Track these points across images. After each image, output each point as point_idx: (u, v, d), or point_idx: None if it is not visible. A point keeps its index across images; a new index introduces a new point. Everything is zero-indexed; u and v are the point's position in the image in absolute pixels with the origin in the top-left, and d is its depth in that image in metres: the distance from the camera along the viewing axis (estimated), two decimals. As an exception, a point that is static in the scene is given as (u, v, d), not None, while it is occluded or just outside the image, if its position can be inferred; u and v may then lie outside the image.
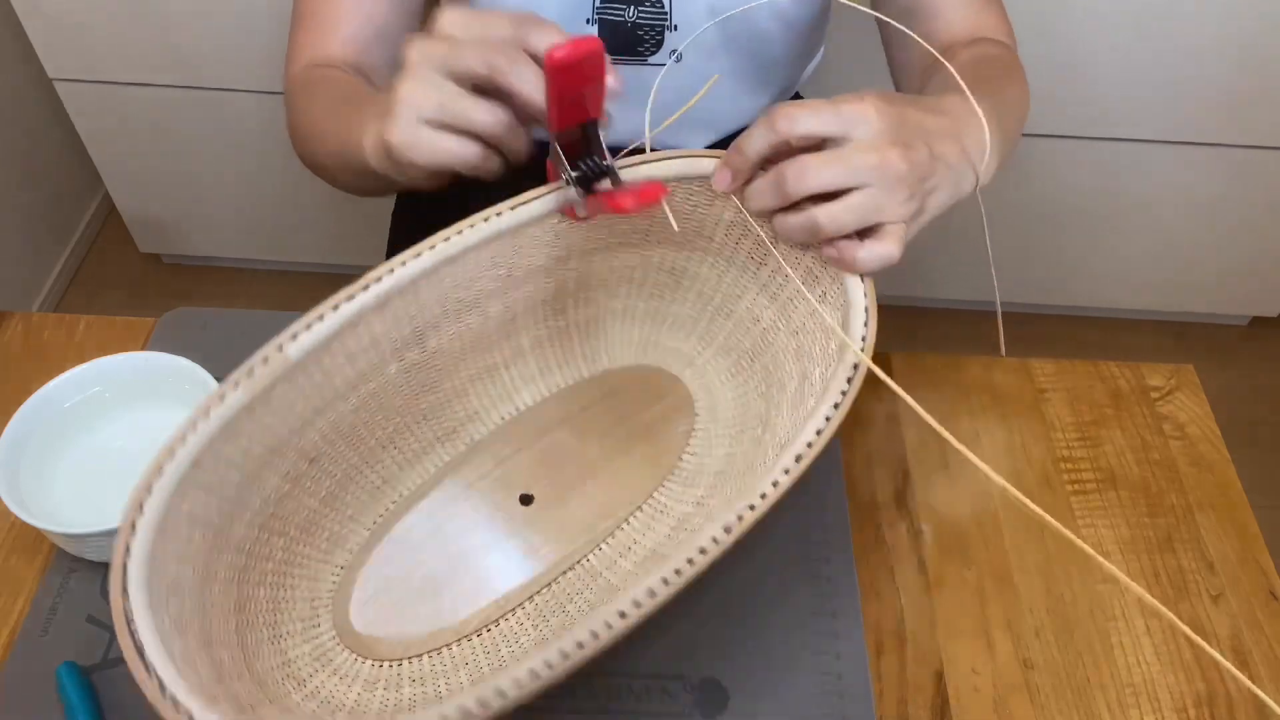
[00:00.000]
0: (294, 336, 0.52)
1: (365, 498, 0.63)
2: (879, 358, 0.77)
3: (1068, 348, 1.74)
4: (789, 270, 0.60)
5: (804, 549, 0.65)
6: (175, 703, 0.43)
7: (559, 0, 0.73)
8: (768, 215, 0.55)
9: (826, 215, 0.52)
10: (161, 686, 0.43)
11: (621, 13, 0.74)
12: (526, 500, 0.63)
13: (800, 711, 0.58)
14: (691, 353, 0.68)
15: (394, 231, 1.00)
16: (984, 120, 0.57)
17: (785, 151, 0.53)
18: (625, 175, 0.57)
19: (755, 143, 0.53)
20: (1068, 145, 1.47)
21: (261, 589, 0.57)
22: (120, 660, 0.58)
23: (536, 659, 0.43)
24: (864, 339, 0.53)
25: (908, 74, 0.78)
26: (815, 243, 0.54)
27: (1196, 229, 1.58)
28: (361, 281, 0.54)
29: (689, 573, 0.46)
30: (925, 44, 0.68)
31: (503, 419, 0.67)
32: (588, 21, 0.76)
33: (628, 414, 0.67)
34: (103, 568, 0.62)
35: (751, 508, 0.48)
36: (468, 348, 0.64)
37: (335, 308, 0.53)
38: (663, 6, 0.74)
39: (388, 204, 1.01)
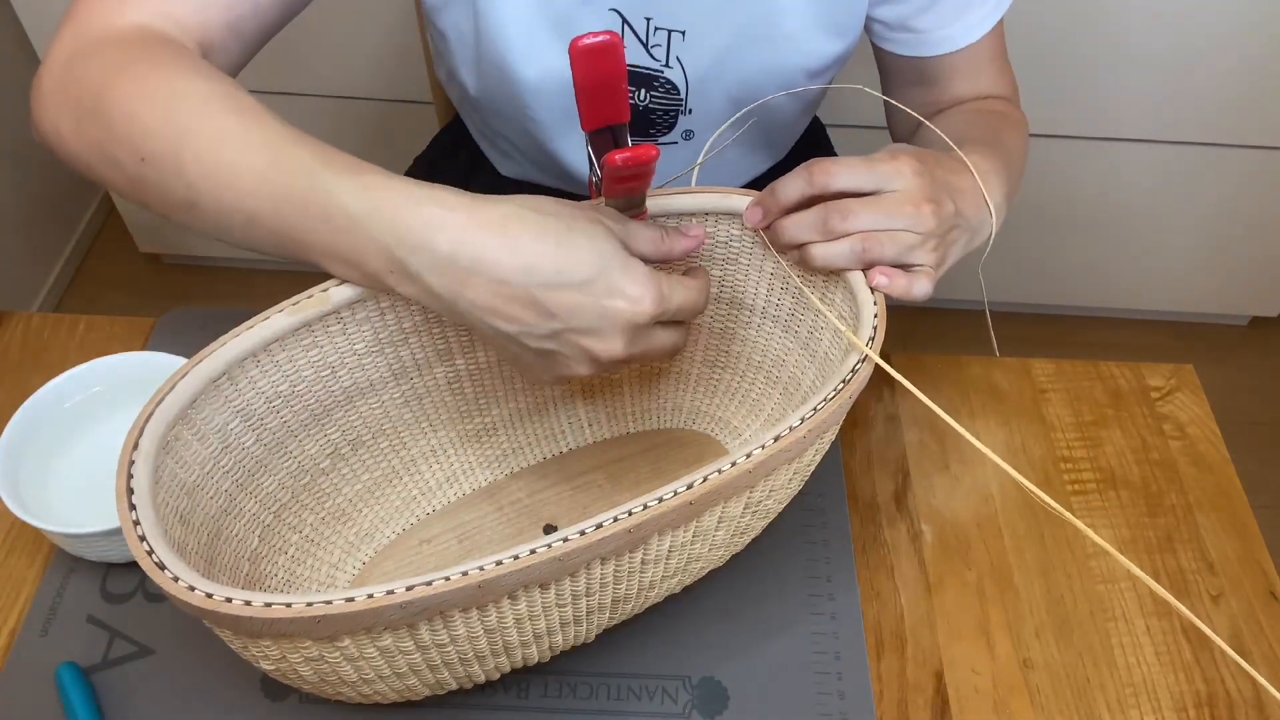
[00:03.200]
0: (340, 283, 0.54)
1: (399, 503, 0.64)
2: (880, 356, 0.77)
3: (1068, 348, 1.74)
4: (797, 280, 0.60)
5: (804, 549, 0.65)
6: (138, 522, 0.44)
7: (563, 88, 0.73)
8: (795, 248, 0.58)
9: (874, 241, 0.55)
10: (132, 504, 0.45)
11: (632, 94, 0.74)
12: (549, 530, 0.64)
13: (800, 711, 0.58)
14: (741, 424, 0.69)
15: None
16: (994, 174, 0.61)
17: (815, 197, 0.56)
18: (656, 206, 0.60)
19: (791, 191, 0.56)
20: (1068, 146, 1.47)
21: (282, 557, 0.58)
22: (120, 660, 0.58)
23: (538, 543, 0.44)
24: (874, 328, 0.54)
25: (904, 123, 0.79)
26: (851, 269, 0.56)
27: (1196, 229, 1.58)
28: None
29: (684, 497, 0.46)
30: (911, 112, 0.72)
31: (544, 457, 0.68)
32: None
33: (665, 470, 0.68)
34: (103, 568, 0.62)
35: (765, 445, 0.48)
36: (518, 374, 0.65)
37: None
38: (678, 92, 0.74)
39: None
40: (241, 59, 0.62)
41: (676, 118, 0.76)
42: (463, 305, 0.49)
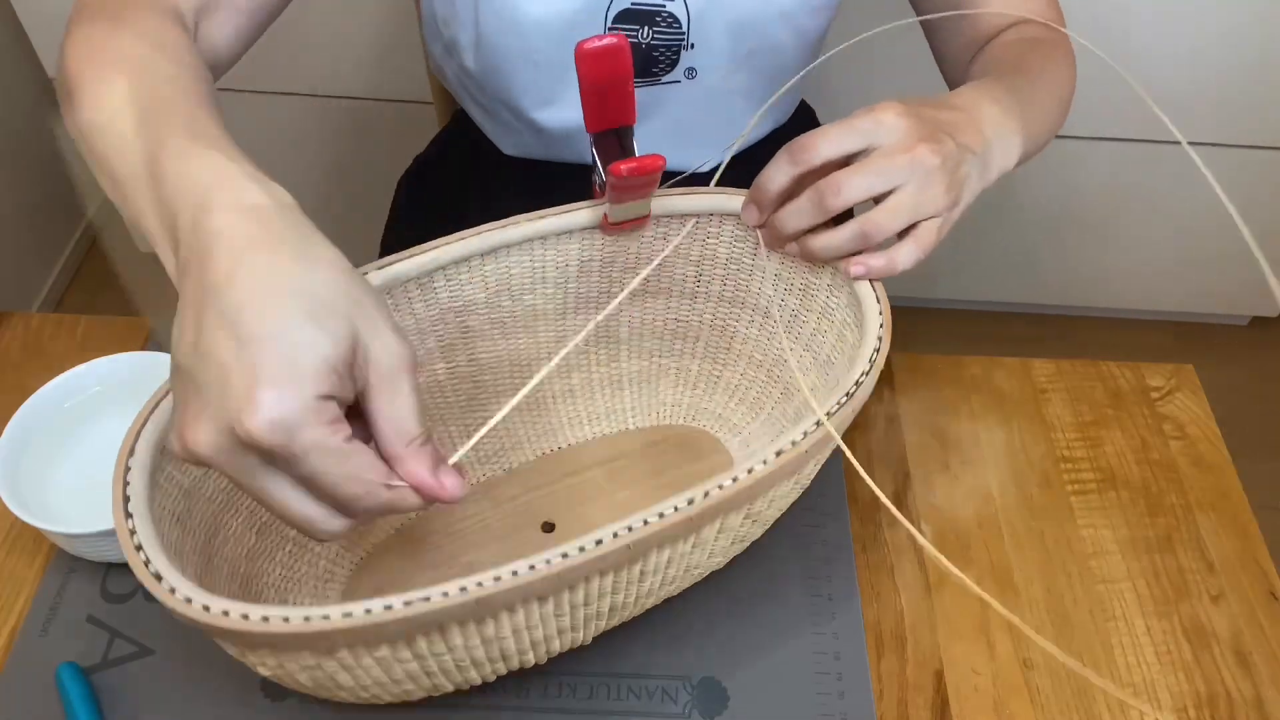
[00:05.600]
0: None
1: None
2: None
3: (1068, 348, 1.74)
4: (784, 342, 0.60)
5: (804, 549, 0.65)
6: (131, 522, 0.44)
7: (566, 26, 0.73)
8: (796, 239, 0.56)
9: (872, 224, 0.53)
10: (127, 512, 0.45)
11: (634, 34, 0.74)
12: (548, 528, 0.64)
13: (800, 711, 0.58)
14: (740, 422, 0.69)
15: (388, 233, 1.00)
16: (992, 102, 0.59)
17: (808, 178, 0.54)
18: (659, 207, 0.60)
19: (777, 177, 0.54)
20: (1068, 146, 1.47)
21: (280, 553, 0.58)
22: (120, 660, 0.58)
23: (536, 559, 0.43)
24: (879, 338, 0.54)
25: (953, 65, 0.78)
26: (859, 249, 0.55)
27: (1196, 229, 1.58)
28: (404, 252, 0.56)
29: (685, 513, 0.46)
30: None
31: (542, 452, 0.68)
32: None
33: (664, 468, 0.68)
34: (103, 568, 0.62)
35: (768, 460, 0.48)
36: (517, 370, 0.65)
37: (380, 267, 0.55)
38: (680, 25, 0.74)
39: (384, 207, 1.01)
40: (244, 33, 0.61)
41: (679, 54, 0.75)
42: (182, 284, 0.40)
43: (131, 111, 0.46)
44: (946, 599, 0.64)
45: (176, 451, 0.39)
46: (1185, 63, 1.36)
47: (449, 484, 0.42)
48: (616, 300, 0.57)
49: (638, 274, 0.64)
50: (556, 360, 0.50)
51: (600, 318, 0.56)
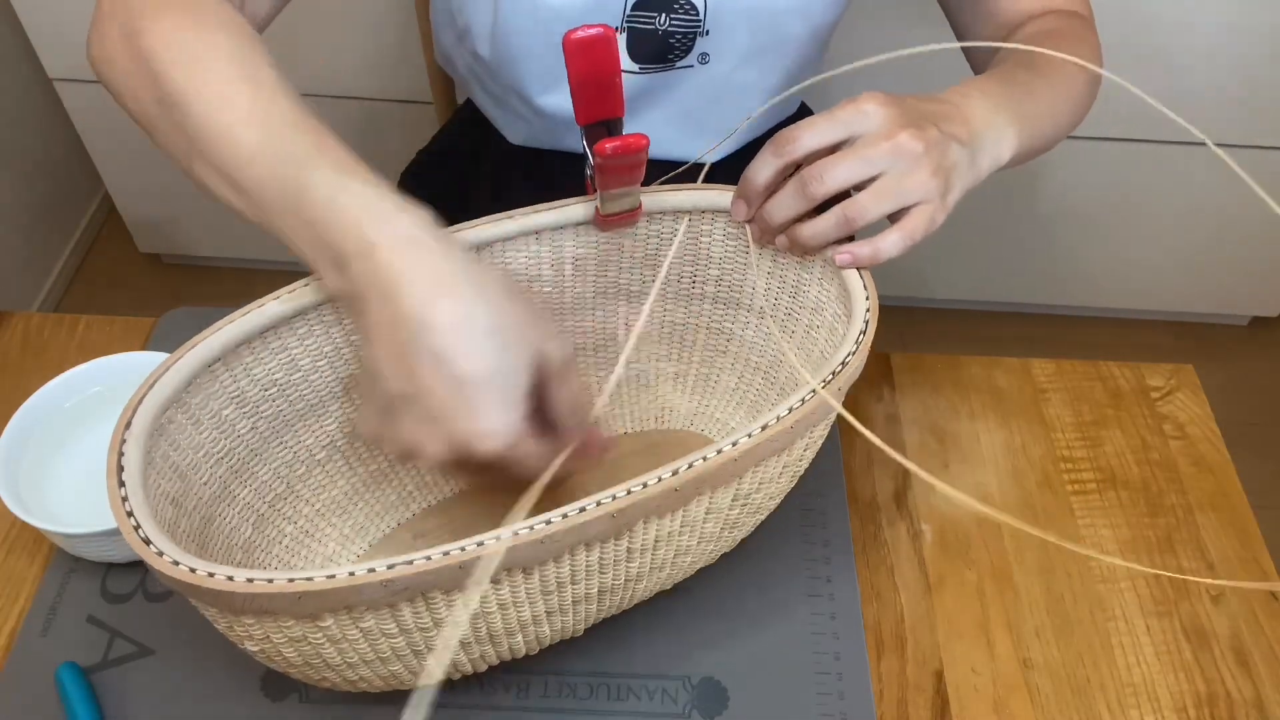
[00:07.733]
0: None
1: (395, 498, 0.64)
2: (879, 358, 0.78)
3: (1068, 348, 1.74)
4: (777, 334, 0.60)
5: (804, 549, 0.65)
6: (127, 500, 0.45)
7: (586, 12, 0.73)
8: (786, 229, 0.57)
9: (856, 208, 0.53)
10: (121, 482, 0.45)
11: (652, 20, 0.74)
12: None
13: (800, 711, 0.58)
14: (739, 426, 0.69)
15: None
16: (983, 95, 0.59)
17: (790, 170, 0.54)
18: (652, 202, 0.60)
19: (763, 171, 0.55)
20: (1068, 146, 1.46)
21: (277, 547, 0.58)
22: (120, 660, 0.58)
23: (520, 525, 0.44)
24: (865, 321, 0.54)
25: (979, 58, 0.77)
26: (844, 235, 0.55)
27: (1196, 229, 1.58)
28: None
29: (669, 483, 0.46)
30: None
31: None
32: (617, 31, 0.75)
33: None
34: (103, 568, 0.62)
35: (752, 434, 0.48)
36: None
37: None
38: (696, 12, 0.74)
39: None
40: (274, 7, 0.64)
41: (694, 40, 0.76)
42: (363, 320, 0.47)
43: (248, 116, 0.49)
44: (946, 599, 0.64)
45: (397, 452, 0.48)
46: (1185, 63, 1.36)
47: (606, 439, 0.53)
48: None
49: (634, 273, 0.64)
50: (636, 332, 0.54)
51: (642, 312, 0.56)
